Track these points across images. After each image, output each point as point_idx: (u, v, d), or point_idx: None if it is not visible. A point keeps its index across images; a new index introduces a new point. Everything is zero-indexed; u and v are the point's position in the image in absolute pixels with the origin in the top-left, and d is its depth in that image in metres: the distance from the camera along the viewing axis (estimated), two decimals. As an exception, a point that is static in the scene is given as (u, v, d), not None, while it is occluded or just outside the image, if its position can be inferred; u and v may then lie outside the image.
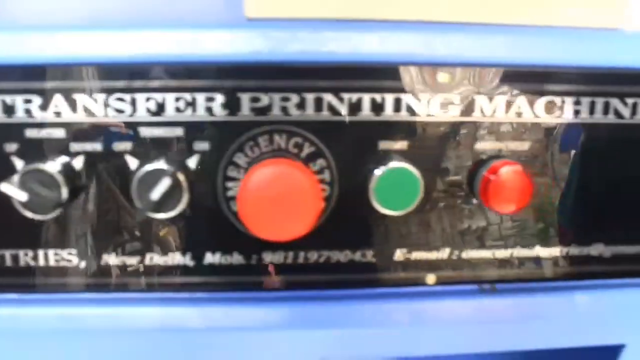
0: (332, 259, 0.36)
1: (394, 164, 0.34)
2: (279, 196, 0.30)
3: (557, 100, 0.36)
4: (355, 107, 0.34)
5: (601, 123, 0.36)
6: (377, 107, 0.34)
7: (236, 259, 0.35)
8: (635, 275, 0.39)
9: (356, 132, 0.34)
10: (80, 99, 0.33)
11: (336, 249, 0.36)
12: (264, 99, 0.33)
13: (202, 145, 0.34)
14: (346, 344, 0.36)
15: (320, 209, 0.34)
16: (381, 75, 0.34)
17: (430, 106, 0.34)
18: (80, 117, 0.33)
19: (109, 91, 0.33)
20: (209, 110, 0.33)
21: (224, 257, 0.35)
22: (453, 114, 0.35)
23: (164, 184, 0.32)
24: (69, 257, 0.35)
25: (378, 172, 0.34)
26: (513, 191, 0.35)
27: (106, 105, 0.33)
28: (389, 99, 0.34)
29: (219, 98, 0.33)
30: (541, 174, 0.36)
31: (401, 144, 0.35)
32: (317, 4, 0.35)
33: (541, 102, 0.35)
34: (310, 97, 0.33)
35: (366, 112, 0.34)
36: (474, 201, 0.36)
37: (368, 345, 0.37)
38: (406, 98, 0.34)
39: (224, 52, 0.32)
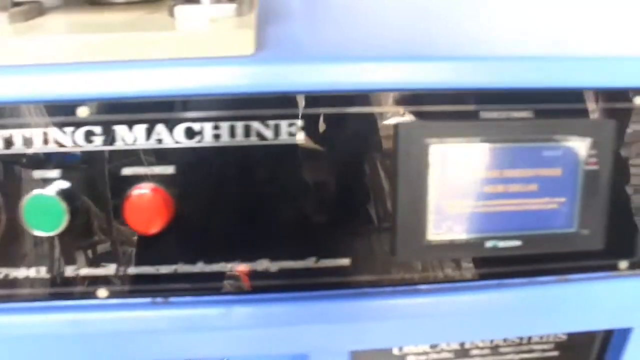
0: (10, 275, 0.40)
1: (39, 192, 0.38)
2: None
3: (196, 126, 0.39)
4: (7, 143, 0.38)
5: (245, 145, 0.39)
6: (27, 142, 0.38)
7: None
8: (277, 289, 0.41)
9: (9, 162, 0.38)
10: None
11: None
12: None
13: None
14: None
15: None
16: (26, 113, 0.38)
17: (76, 137, 0.38)
18: None
19: None
20: None
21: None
22: (96, 144, 0.39)
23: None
24: None
25: (27, 198, 0.38)
26: (148, 212, 0.38)
27: None
28: (38, 133, 0.38)
29: None
30: (186, 196, 0.39)
31: (52, 173, 0.39)
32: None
33: (180, 128, 0.39)
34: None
35: (18, 146, 0.38)
36: (119, 222, 0.39)
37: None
38: (51, 132, 0.38)
39: None
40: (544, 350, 0.49)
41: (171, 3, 0.42)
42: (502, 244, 0.42)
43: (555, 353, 0.49)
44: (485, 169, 0.41)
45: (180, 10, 0.41)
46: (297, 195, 0.40)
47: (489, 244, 0.42)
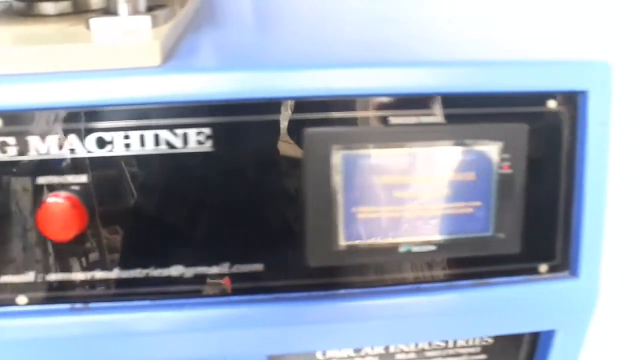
0: None
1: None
2: None
3: (107, 136, 0.40)
4: None
5: (155, 154, 0.40)
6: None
7: None
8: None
9: None
10: None
11: None
12: None
13: None
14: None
15: None
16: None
17: (-11, 148, 0.40)
18: None
19: None
20: None
21: None
22: (11, 154, 0.40)
23: None
24: None
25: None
26: (62, 220, 0.39)
27: None
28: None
29: None
30: (99, 204, 0.40)
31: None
32: None
33: (92, 138, 0.40)
34: None
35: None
36: (35, 230, 0.40)
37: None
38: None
39: None
40: (470, 354, 0.49)
41: (91, 15, 0.43)
42: (416, 248, 0.43)
43: (482, 356, 0.50)
44: (395, 175, 0.41)
45: (95, 22, 0.42)
46: (208, 202, 0.41)
47: (402, 249, 0.43)
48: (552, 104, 0.43)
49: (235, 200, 0.41)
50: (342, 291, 0.43)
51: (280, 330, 0.43)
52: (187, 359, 0.44)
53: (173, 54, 0.42)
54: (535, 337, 0.49)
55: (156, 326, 0.42)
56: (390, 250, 0.42)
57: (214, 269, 0.42)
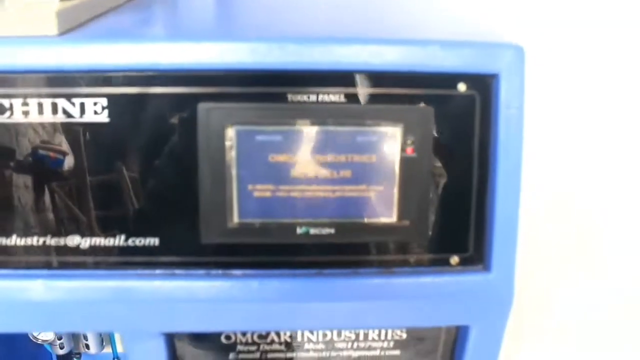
0: None
1: None
2: None
3: (5, 102, 0.41)
4: None
5: (53, 122, 0.41)
6: None
7: None
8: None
9: None
10: None
11: None
12: None
13: None
14: None
15: None
16: None
17: None
18: None
19: None
20: None
21: None
22: None
23: None
24: None
25: None
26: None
27: None
28: None
29: None
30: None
31: None
32: None
33: (-9, 104, 0.41)
34: None
35: None
36: None
37: None
38: None
39: None
40: (383, 349, 0.48)
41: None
42: (314, 230, 0.42)
43: (396, 352, 0.48)
44: (292, 154, 0.41)
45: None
46: (105, 173, 0.41)
47: (300, 230, 0.42)
48: (462, 87, 0.41)
49: (130, 172, 0.41)
50: (237, 271, 0.42)
51: (174, 307, 0.42)
52: (83, 329, 0.43)
53: (79, 28, 0.42)
54: (451, 333, 0.47)
55: (53, 295, 0.42)
56: (287, 230, 0.41)
57: (110, 241, 0.42)
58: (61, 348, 0.84)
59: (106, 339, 0.87)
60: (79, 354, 0.88)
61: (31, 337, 0.79)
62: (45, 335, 0.80)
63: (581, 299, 0.89)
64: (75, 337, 0.85)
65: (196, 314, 0.43)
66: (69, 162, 0.41)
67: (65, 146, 0.41)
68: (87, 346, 0.86)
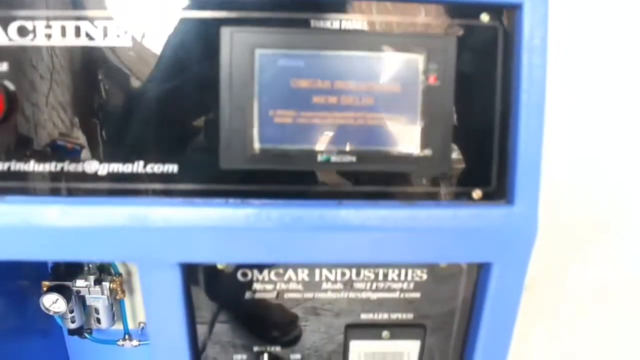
0: None
1: None
2: None
3: (29, 24, 0.41)
4: None
5: (75, 45, 0.41)
6: None
7: None
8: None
9: None
10: None
11: None
12: None
13: None
14: None
15: None
16: None
17: None
18: None
19: None
20: None
21: None
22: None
23: None
24: None
25: None
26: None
27: None
28: None
29: None
30: (19, 92, 0.41)
31: None
32: None
33: (13, 26, 0.41)
34: None
35: None
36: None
37: None
38: None
39: None
40: (402, 290, 0.47)
41: None
42: (335, 158, 0.41)
43: (416, 294, 0.47)
44: (315, 80, 0.40)
45: None
46: (125, 98, 0.41)
47: (320, 157, 0.41)
48: (485, 17, 0.41)
49: (150, 98, 0.41)
50: (256, 200, 0.41)
51: (191, 238, 0.42)
52: (99, 258, 0.43)
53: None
54: (472, 275, 0.46)
55: (70, 222, 0.42)
56: (308, 158, 0.41)
57: (128, 167, 0.41)
58: (72, 322, 0.83)
59: (117, 314, 0.86)
60: (90, 329, 0.87)
61: (42, 308, 0.79)
62: (57, 307, 0.80)
63: (597, 277, 0.87)
64: (87, 312, 0.84)
65: (213, 244, 0.42)
66: (88, 87, 0.41)
67: (88, 70, 0.41)
68: (99, 320, 0.85)
